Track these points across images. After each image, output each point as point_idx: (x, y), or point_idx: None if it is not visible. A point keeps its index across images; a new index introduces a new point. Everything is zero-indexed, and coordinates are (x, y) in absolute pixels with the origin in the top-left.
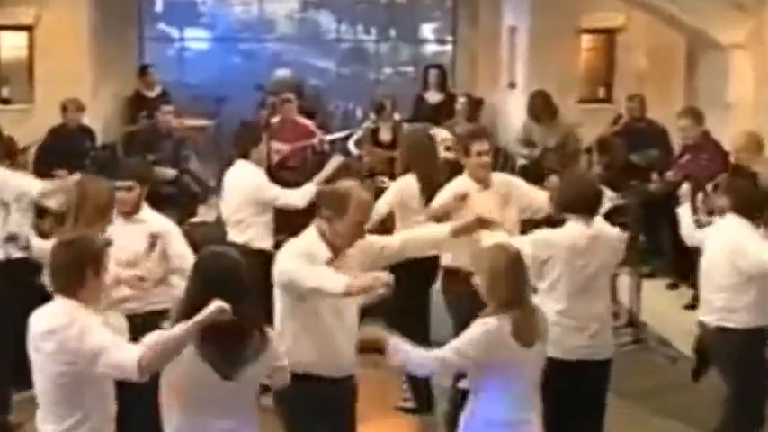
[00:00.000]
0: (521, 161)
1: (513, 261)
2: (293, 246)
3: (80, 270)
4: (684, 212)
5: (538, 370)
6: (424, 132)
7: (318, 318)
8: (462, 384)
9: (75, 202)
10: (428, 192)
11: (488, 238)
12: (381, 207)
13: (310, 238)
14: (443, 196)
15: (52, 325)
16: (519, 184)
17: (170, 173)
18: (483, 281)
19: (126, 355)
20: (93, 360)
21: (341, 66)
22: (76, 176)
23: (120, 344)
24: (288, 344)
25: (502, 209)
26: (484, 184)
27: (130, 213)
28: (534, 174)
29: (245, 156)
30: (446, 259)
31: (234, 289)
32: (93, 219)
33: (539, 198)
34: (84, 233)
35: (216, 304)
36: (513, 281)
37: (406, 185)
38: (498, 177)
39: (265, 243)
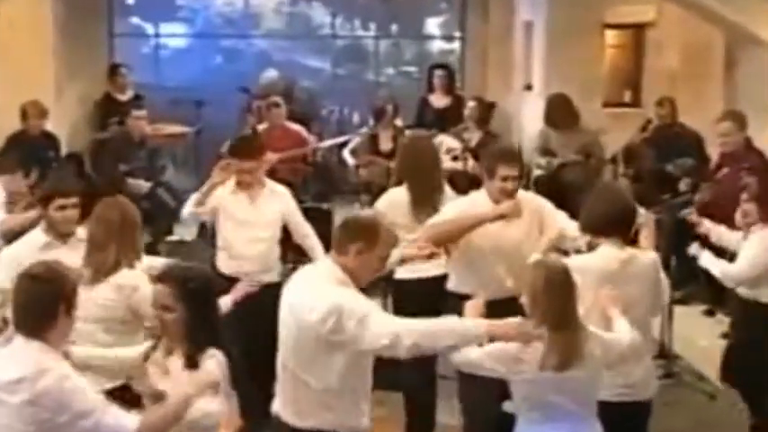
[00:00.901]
0: (537, 172)
1: (553, 279)
2: (327, 286)
3: (53, 307)
4: (709, 261)
5: (585, 396)
6: (426, 141)
7: (360, 369)
8: (507, 407)
9: (117, 226)
10: (420, 208)
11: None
12: None
13: (335, 274)
14: (451, 212)
15: (21, 373)
16: (551, 212)
17: (144, 185)
18: (525, 299)
19: (122, 421)
20: (74, 421)
21: (336, 65)
22: (33, 213)
23: (111, 408)
24: (310, 401)
25: (524, 233)
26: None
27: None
28: (552, 187)
29: None
30: (452, 283)
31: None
32: (134, 243)
33: (569, 229)
34: (55, 263)
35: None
36: (551, 300)
37: (395, 198)
38: (527, 201)
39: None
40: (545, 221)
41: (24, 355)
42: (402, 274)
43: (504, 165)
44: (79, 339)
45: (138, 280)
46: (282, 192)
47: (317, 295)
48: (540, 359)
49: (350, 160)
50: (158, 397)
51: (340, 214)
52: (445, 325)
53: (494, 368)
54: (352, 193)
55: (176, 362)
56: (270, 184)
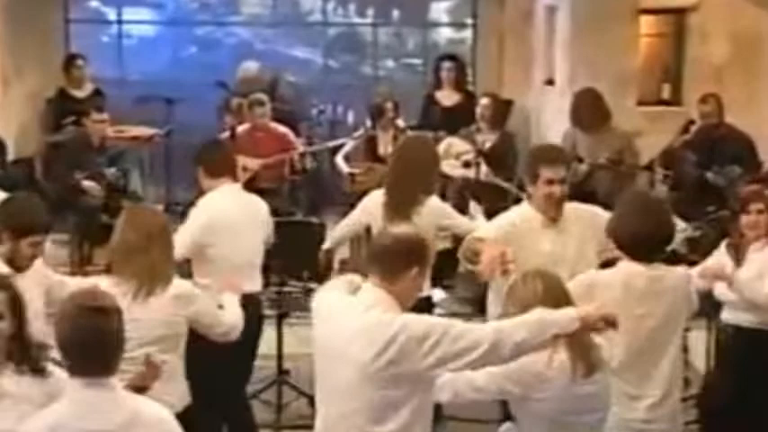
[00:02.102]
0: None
1: (554, 288)
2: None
3: (122, 339)
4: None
5: (603, 411)
6: (424, 144)
7: (428, 401)
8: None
9: (157, 230)
10: (393, 217)
11: None
12: (338, 230)
13: (387, 300)
14: (493, 232)
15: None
16: (603, 215)
17: (96, 188)
18: (512, 310)
19: None
20: None
21: (327, 57)
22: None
23: None
24: None
25: (577, 250)
26: (552, 218)
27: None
28: (578, 199)
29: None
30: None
31: None
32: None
33: None
34: (98, 288)
35: None
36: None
37: (371, 203)
38: (574, 210)
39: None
40: (599, 228)
41: (115, 403)
42: None
43: (547, 166)
44: (133, 367)
45: (191, 288)
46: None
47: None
48: (569, 370)
49: (344, 167)
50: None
51: (333, 228)
52: (533, 317)
53: (510, 391)
54: (346, 205)
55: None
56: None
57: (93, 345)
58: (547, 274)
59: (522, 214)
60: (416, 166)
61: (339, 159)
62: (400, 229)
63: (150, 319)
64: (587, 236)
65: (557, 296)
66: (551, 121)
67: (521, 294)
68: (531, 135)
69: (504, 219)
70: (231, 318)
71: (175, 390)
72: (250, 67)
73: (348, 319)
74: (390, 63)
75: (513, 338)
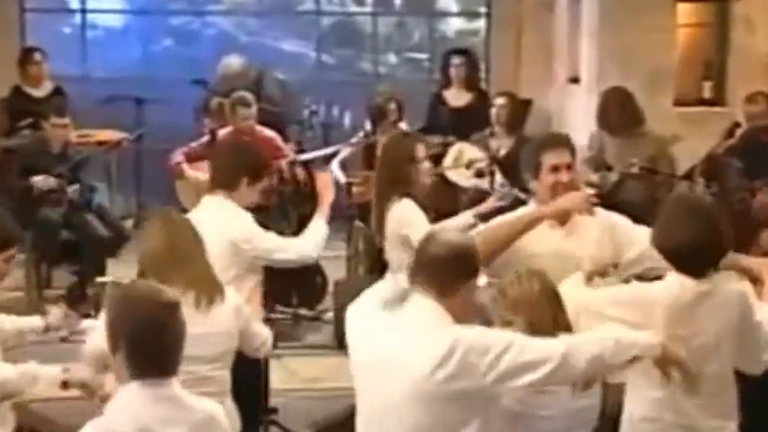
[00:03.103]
0: (587, 191)
1: (551, 289)
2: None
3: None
4: None
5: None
6: (397, 138)
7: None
8: None
9: (201, 238)
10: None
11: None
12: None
13: (444, 318)
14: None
15: None
16: (628, 229)
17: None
18: (501, 309)
19: None
20: None
21: (321, 51)
22: None
23: None
24: None
25: (590, 258)
26: (560, 217)
27: None
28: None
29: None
30: None
31: None
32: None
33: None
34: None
35: None
36: (549, 309)
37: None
38: (595, 216)
39: None
40: (621, 241)
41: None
42: None
43: (549, 152)
44: (199, 386)
45: (239, 297)
46: None
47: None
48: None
49: (340, 176)
50: None
51: (327, 246)
52: (609, 334)
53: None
54: (342, 219)
55: None
56: None
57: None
58: (543, 274)
59: (521, 212)
60: (385, 163)
61: (334, 167)
62: (448, 233)
63: (214, 333)
64: (605, 244)
65: (552, 299)
66: (576, 123)
67: (514, 295)
68: None
69: (504, 219)
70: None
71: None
72: (232, 62)
73: (398, 335)
74: (392, 58)
75: (586, 355)
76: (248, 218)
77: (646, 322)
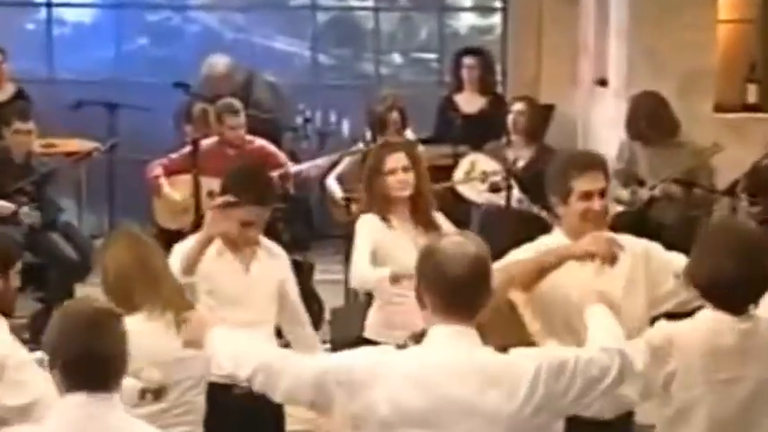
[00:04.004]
0: (616, 208)
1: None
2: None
3: None
4: None
5: None
6: (375, 151)
7: None
8: None
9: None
10: None
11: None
12: None
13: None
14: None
15: None
16: (663, 257)
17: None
18: None
19: None
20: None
21: (317, 50)
22: None
23: None
24: None
25: (624, 294)
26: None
27: None
28: (638, 231)
29: None
30: None
31: None
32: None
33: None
34: None
35: None
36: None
37: None
38: (624, 242)
39: None
40: (656, 272)
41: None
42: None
43: (581, 176)
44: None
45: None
46: (279, 253)
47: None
48: None
49: (337, 190)
50: None
51: (324, 269)
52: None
53: None
54: (339, 239)
55: None
56: (265, 241)
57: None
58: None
59: (550, 245)
60: (363, 177)
61: (331, 181)
62: (465, 244)
63: (193, 356)
64: (638, 277)
65: (517, 316)
66: (603, 132)
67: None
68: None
69: (525, 252)
70: None
71: None
72: (217, 63)
73: (455, 374)
74: (397, 58)
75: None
76: None
77: (680, 366)
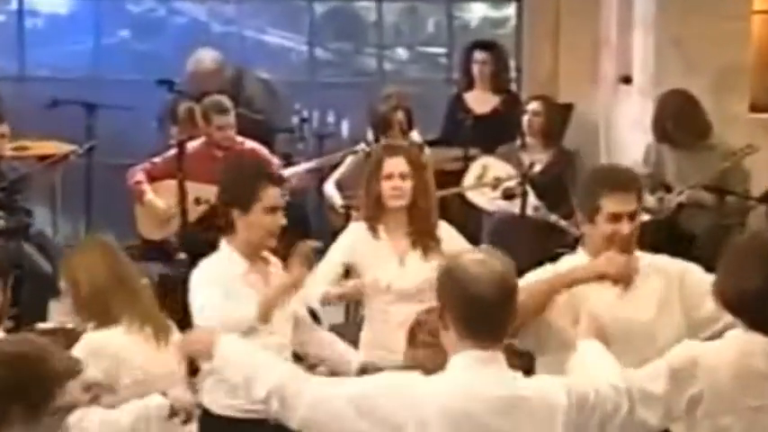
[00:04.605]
0: (642, 217)
1: None
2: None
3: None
4: None
5: None
6: (374, 153)
7: None
8: None
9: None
10: None
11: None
12: None
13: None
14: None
15: None
16: (698, 279)
17: None
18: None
19: None
20: None
21: (314, 44)
22: None
23: None
24: None
25: (656, 318)
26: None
27: None
28: (666, 241)
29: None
30: None
31: None
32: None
33: None
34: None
35: None
36: None
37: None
38: (653, 261)
39: None
40: (691, 295)
41: None
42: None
43: (612, 196)
44: None
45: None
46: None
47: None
48: None
49: (336, 197)
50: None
51: None
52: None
53: None
54: None
55: None
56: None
57: None
58: None
59: (578, 263)
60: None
61: (329, 187)
62: (490, 262)
63: (170, 372)
64: (672, 299)
65: None
66: (627, 133)
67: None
68: (599, 153)
69: (545, 273)
70: None
71: None
72: (205, 58)
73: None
74: (401, 53)
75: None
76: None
77: (707, 389)
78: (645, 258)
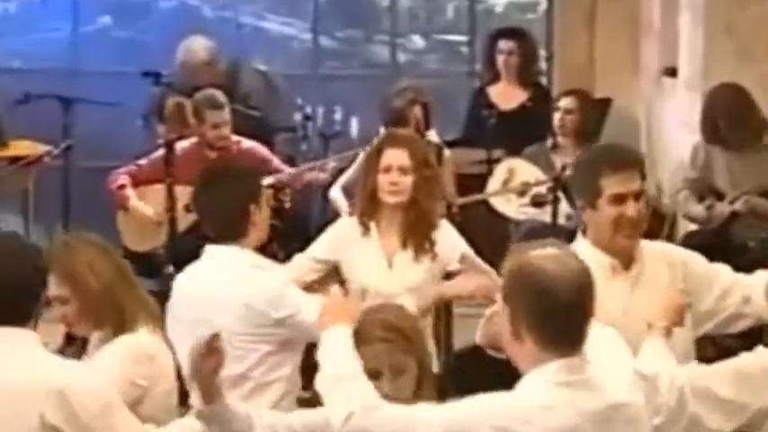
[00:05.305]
0: (689, 227)
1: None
2: None
3: None
4: None
5: None
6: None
7: None
8: None
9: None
10: None
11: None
12: None
13: None
14: None
15: None
16: (700, 264)
17: None
18: None
19: None
20: None
21: (320, 32)
22: None
23: None
24: None
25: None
26: (623, 259)
27: None
28: (715, 252)
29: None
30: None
31: None
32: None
33: (753, 294)
34: None
35: None
36: None
37: None
38: (655, 249)
39: None
40: (697, 285)
41: None
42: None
43: (612, 175)
44: None
45: None
46: None
47: None
48: None
49: (342, 203)
50: None
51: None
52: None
53: None
54: None
55: None
56: None
57: None
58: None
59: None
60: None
61: (336, 192)
62: (566, 259)
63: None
64: (675, 282)
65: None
66: (672, 132)
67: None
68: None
69: None
70: None
71: None
72: (196, 47)
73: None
74: (418, 41)
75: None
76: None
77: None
78: (651, 245)
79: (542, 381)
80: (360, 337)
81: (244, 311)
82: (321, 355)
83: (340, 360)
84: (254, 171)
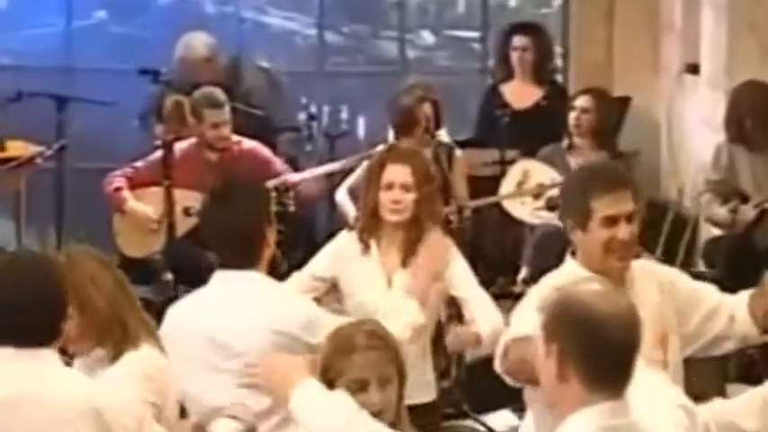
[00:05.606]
0: (712, 231)
1: None
2: None
3: None
4: None
5: None
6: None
7: None
8: None
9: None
10: None
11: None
12: None
13: None
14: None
15: None
16: (688, 286)
17: None
18: None
19: None
20: None
21: (325, 27)
22: None
23: None
24: None
25: (649, 327)
26: (613, 282)
27: None
28: (740, 259)
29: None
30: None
31: None
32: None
33: (737, 314)
34: None
35: None
36: None
37: None
38: (644, 267)
39: None
40: (685, 303)
41: None
42: None
43: (603, 196)
44: None
45: None
46: None
47: None
48: None
49: (349, 209)
50: None
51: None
52: None
53: None
54: None
55: None
56: None
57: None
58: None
59: (565, 280)
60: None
61: (342, 195)
62: (613, 296)
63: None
64: (668, 313)
65: None
66: (694, 132)
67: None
68: (661, 155)
69: (539, 294)
70: None
71: None
72: (196, 43)
73: None
74: (427, 37)
75: None
76: None
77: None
78: (636, 266)
79: (587, 424)
80: (347, 348)
81: (274, 338)
82: (309, 420)
83: (332, 414)
84: (264, 186)
